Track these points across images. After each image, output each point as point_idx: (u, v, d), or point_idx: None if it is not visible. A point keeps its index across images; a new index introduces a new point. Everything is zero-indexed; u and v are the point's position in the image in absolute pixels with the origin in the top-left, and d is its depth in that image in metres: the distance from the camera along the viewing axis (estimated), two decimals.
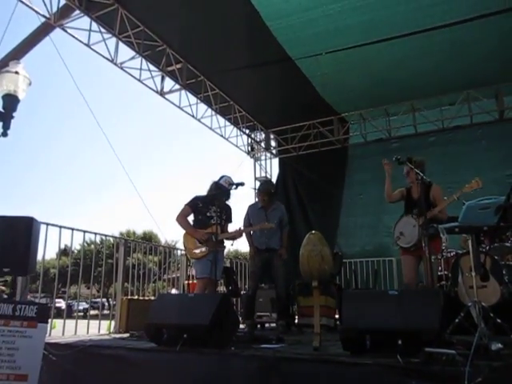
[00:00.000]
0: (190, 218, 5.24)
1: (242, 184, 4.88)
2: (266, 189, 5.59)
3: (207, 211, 5.07)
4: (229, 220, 5.22)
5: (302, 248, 4.48)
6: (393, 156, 4.54)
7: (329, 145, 9.86)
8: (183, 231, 5.18)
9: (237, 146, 10.31)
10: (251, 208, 5.69)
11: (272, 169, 11.15)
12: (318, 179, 9.55)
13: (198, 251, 5.02)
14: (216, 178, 5.16)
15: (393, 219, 5.05)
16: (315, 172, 9.75)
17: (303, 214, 9.50)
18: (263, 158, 11.06)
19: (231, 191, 5.08)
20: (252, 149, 10.71)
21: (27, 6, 5.51)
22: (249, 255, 5.71)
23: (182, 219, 5.18)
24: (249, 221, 5.56)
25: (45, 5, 5.80)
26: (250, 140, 10.63)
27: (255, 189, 5.35)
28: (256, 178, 10.36)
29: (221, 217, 5.07)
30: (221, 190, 5.02)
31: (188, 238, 5.13)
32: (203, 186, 5.22)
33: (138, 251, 6.29)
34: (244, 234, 5.30)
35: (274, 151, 10.95)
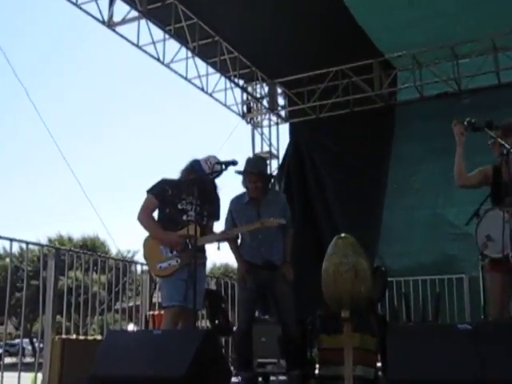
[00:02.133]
0: (155, 214, 5.26)
1: (233, 163, 4.87)
2: (256, 169, 5.48)
3: (179, 202, 5.05)
4: (214, 216, 5.24)
5: (325, 260, 4.69)
6: (464, 118, 4.60)
7: (366, 103, 10.05)
8: (144, 235, 5.20)
9: (225, 105, 10.37)
10: (235, 202, 5.67)
11: (280, 140, 11.38)
12: (349, 155, 9.73)
13: (165, 265, 5.02)
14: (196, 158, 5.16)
15: (463, 214, 5.04)
16: (345, 144, 9.94)
17: (326, 209, 9.77)
18: (266, 123, 11.27)
19: (220, 174, 5.17)
20: (249, 109, 10.86)
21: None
22: (237, 275, 5.75)
23: (145, 216, 5.19)
24: (232, 222, 5.56)
25: None
26: (245, 96, 10.81)
27: (241, 172, 5.52)
28: (254, 154, 10.70)
29: (201, 211, 5.05)
30: (200, 173, 5.05)
31: (151, 246, 5.10)
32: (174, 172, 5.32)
33: (76, 267, 6.40)
34: (228, 242, 5.43)
35: (282, 113, 11.19)
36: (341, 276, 4.75)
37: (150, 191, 5.09)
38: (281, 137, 11.32)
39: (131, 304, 7.57)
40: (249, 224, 5.23)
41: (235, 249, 5.60)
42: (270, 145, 11.28)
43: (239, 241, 5.65)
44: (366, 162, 9.63)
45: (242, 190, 5.56)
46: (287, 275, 5.56)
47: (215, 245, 5.14)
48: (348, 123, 9.98)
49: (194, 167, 5.10)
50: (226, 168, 4.87)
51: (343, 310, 4.70)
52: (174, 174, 5.13)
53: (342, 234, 4.96)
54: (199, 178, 4.94)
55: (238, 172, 5.39)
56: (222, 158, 5.03)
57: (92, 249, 28.12)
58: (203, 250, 5.08)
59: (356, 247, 4.85)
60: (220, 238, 5.13)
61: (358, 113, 9.99)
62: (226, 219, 5.58)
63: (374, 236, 9.28)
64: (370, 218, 9.48)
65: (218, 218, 5.28)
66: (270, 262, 5.56)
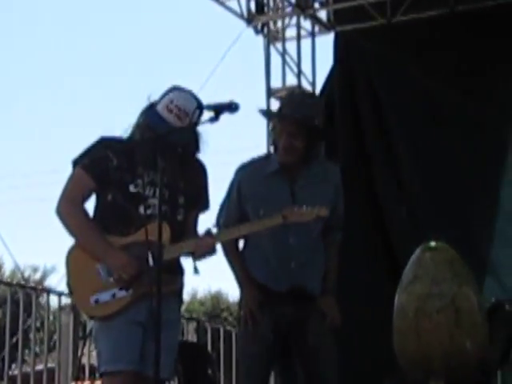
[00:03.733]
0: (91, 204, 4.23)
1: (229, 107, 3.68)
2: (298, 112, 4.40)
3: (131, 181, 4.10)
4: (198, 204, 4.20)
5: (400, 290, 4.11)
6: None
7: None
8: (68, 243, 4.11)
9: (221, 2, 8.49)
10: (248, 172, 4.66)
11: (316, 64, 8.89)
12: (447, 91, 7.40)
13: (106, 297, 3.97)
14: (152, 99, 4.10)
15: None
16: (438, 72, 7.67)
17: (396, 185, 7.58)
18: (291, 33, 8.93)
19: (201, 130, 4.01)
20: (260, 8, 8.40)
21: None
22: (238, 309, 4.93)
23: (69, 208, 4.14)
24: (239, 210, 4.53)
25: None
26: None
27: (266, 114, 4.81)
28: (271, 92, 8.53)
29: (173, 196, 4.08)
30: (164, 128, 3.99)
31: (80, 263, 4.09)
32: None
33: None
34: (223, 247, 4.37)
35: (321, 15, 9.02)
36: (429, 319, 3.94)
37: (78, 162, 4.11)
38: (319, 58, 8.71)
39: (40, 367, 6.64)
40: (262, 219, 4.15)
41: (237, 261, 4.53)
42: (300, 73, 8.57)
43: (244, 247, 4.59)
44: (478, 103, 7.43)
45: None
46: (329, 315, 4.42)
47: (194, 258, 4.00)
48: (446, 34, 7.69)
49: (158, 115, 4.07)
50: (216, 117, 3.67)
51: (432, 379, 3.94)
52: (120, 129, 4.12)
53: (432, 243, 4.17)
54: (168, 136, 3.98)
55: (264, 112, 4.77)
56: (207, 99, 3.96)
57: None
58: (177, 269, 4.09)
59: (458, 267, 4.04)
60: (206, 245, 3.95)
61: (465, 16, 7.64)
62: (223, 205, 4.59)
63: (484, 239, 7.07)
64: (477, 204, 7.28)
65: (205, 207, 4.25)
66: (304, 289, 4.44)
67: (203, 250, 4.03)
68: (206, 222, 4.38)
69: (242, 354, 4.86)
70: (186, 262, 4.16)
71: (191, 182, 4.18)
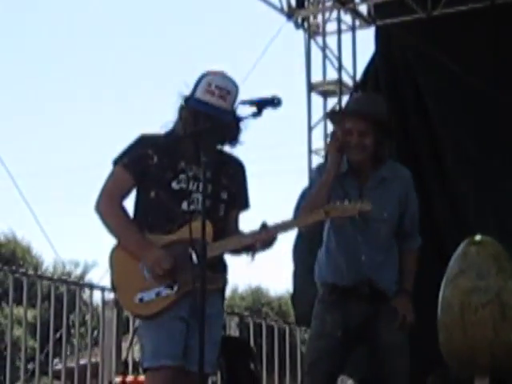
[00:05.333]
0: (130, 202, 4.17)
1: (272, 102, 3.64)
2: (367, 110, 4.43)
3: (173, 178, 4.07)
4: (238, 201, 4.21)
5: (445, 283, 4.08)
6: None
7: None
8: (111, 241, 4.14)
9: None
10: (323, 172, 4.65)
11: (357, 58, 8.85)
12: (491, 86, 7.24)
13: (151, 296, 3.95)
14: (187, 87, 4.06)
15: None
16: (481, 67, 7.57)
17: (442, 183, 7.50)
18: (331, 27, 8.88)
19: (243, 122, 3.96)
20: (300, 2, 8.43)
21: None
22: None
23: (109, 206, 4.15)
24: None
25: None
26: None
27: (328, 116, 5.23)
28: (311, 87, 8.39)
29: (215, 192, 4.08)
30: (208, 119, 3.92)
31: (124, 262, 4.10)
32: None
33: None
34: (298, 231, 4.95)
35: (362, 9, 8.89)
36: (474, 313, 3.90)
37: (118, 160, 4.10)
38: (359, 52, 8.74)
39: (83, 362, 6.64)
40: (307, 215, 4.17)
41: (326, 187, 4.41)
42: (340, 68, 8.42)
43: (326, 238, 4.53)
44: None
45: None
46: (404, 311, 4.37)
47: (246, 256, 3.97)
48: (488, 28, 7.58)
49: (201, 102, 3.98)
50: (259, 112, 3.60)
51: (477, 374, 3.95)
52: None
53: (478, 237, 4.16)
54: (212, 129, 3.89)
55: (334, 113, 5.12)
56: (249, 94, 3.85)
57: (10, 257, 23.56)
58: (220, 267, 4.08)
59: (503, 261, 4.01)
60: (253, 240, 3.92)
61: (506, 8, 7.44)
62: (300, 201, 4.68)
63: None
64: None
65: (246, 205, 4.24)
66: (377, 286, 4.42)
67: (263, 242, 3.99)
68: (245, 220, 4.35)
69: (308, 349, 4.76)
70: (231, 259, 4.19)
71: (233, 180, 4.19)
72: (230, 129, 4.05)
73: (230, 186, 4.18)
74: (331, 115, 4.92)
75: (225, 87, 3.96)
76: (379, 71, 8.36)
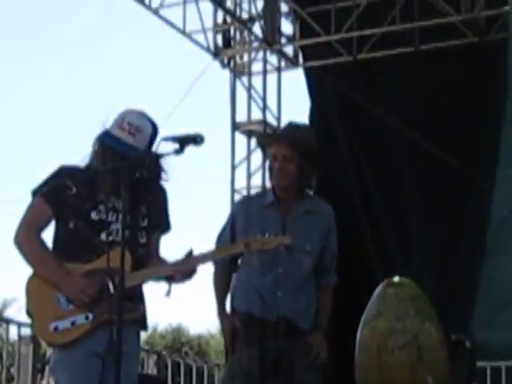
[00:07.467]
0: (49, 234, 4.17)
1: (196, 139, 3.71)
2: (292, 138, 4.53)
3: (93, 208, 4.12)
4: (159, 224, 4.22)
5: (363, 324, 4.06)
6: None
7: (445, 34, 7.95)
8: (28, 271, 4.12)
9: (183, 31, 8.32)
10: (244, 204, 4.96)
11: (282, 100, 8.98)
12: (418, 133, 7.50)
13: (66, 325, 3.95)
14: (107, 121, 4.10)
15: None
16: (407, 111, 7.80)
17: (373, 226, 7.75)
18: (257, 68, 9.11)
19: (164, 159, 3.99)
20: (227, 42, 8.58)
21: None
22: (224, 340, 5.09)
23: (28, 237, 4.13)
24: (231, 234, 4.67)
25: None
26: (220, 16, 8.74)
27: (258, 143, 5.32)
28: (236, 126, 8.50)
29: (135, 221, 4.12)
30: (114, 154, 3.98)
31: (40, 291, 4.09)
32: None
33: None
34: (215, 268, 4.62)
35: (288, 50, 9.08)
36: (391, 355, 3.89)
37: (37, 191, 4.14)
38: (284, 93, 8.85)
39: None
40: (227, 246, 4.35)
41: (221, 289, 4.61)
42: (265, 108, 8.53)
43: (236, 275, 4.67)
44: (446, 144, 7.32)
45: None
46: (318, 348, 4.44)
47: (164, 285, 3.98)
48: (412, 71, 7.85)
49: (112, 137, 4.04)
50: (181, 149, 3.68)
51: None
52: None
53: (396, 278, 4.24)
54: (131, 164, 3.89)
55: (262, 140, 5.11)
56: (172, 131, 3.86)
57: None
58: (138, 296, 4.06)
59: (421, 303, 4.09)
60: (172, 271, 3.93)
61: (429, 54, 7.85)
62: (219, 238, 4.68)
63: (455, 282, 7.16)
64: (452, 248, 7.40)
65: (167, 228, 4.24)
66: (292, 320, 4.43)
67: (183, 274, 3.97)
68: (167, 245, 4.29)
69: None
70: (149, 288, 4.09)
71: (152, 205, 4.18)
72: (150, 167, 4.02)
73: (150, 212, 4.18)
74: (259, 138, 4.93)
75: (136, 124, 3.98)
76: (315, 116, 8.33)
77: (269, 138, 4.95)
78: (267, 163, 4.74)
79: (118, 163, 3.94)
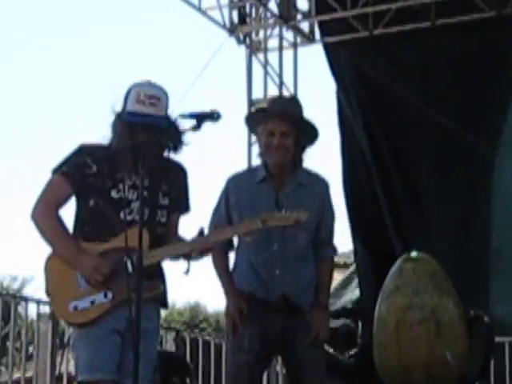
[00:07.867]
0: (67, 211, 4.14)
1: (213, 116, 3.71)
2: (286, 112, 4.41)
3: (112, 186, 4.03)
4: (179, 206, 4.16)
5: (380, 299, 4.03)
6: None
7: (460, 10, 7.84)
8: (46, 250, 4.06)
9: (199, 9, 8.21)
10: (236, 180, 4.69)
11: (298, 75, 8.76)
12: (433, 106, 7.50)
13: (85, 304, 3.93)
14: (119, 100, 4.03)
15: None
16: (420, 86, 7.85)
17: (390, 203, 7.62)
18: (273, 44, 8.86)
19: (185, 135, 3.93)
20: (243, 19, 8.42)
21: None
22: (226, 320, 4.70)
23: (46, 215, 4.11)
24: (227, 216, 4.51)
25: None
26: None
27: (248, 120, 4.60)
28: (252, 103, 8.37)
29: (154, 200, 4.03)
30: (145, 128, 3.92)
31: (59, 271, 4.06)
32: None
33: None
34: (212, 252, 4.21)
35: (303, 26, 8.91)
36: (409, 331, 3.86)
37: (58, 170, 4.07)
38: (300, 69, 8.68)
39: (16, 376, 6.53)
40: (243, 222, 4.05)
41: (223, 270, 4.47)
42: (281, 84, 8.44)
43: (237, 254, 4.47)
44: (462, 120, 7.34)
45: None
46: (317, 328, 4.27)
47: (182, 263, 3.93)
48: (428, 47, 7.84)
49: (133, 113, 3.96)
50: (198, 126, 3.68)
51: None
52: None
53: (414, 253, 4.14)
54: (150, 140, 3.82)
55: (250, 116, 4.77)
56: (189, 108, 3.82)
57: None
58: (157, 274, 4.00)
59: (439, 278, 3.99)
60: (190, 249, 3.88)
61: (446, 28, 7.81)
62: (215, 212, 4.55)
63: (473, 257, 7.07)
64: (464, 223, 7.44)
65: (186, 208, 4.17)
66: (291, 298, 4.34)
67: (199, 251, 3.95)
68: (187, 225, 4.30)
69: (229, 363, 4.75)
70: (170, 266, 4.10)
71: (173, 184, 4.17)
72: (169, 135, 4.01)
73: (171, 191, 4.15)
74: (252, 115, 4.80)
75: (153, 94, 3.96)
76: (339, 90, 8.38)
77: (260, 114, 4.78)
78: (260, 140, 4.51)
79: (152, 137, 3.87)
